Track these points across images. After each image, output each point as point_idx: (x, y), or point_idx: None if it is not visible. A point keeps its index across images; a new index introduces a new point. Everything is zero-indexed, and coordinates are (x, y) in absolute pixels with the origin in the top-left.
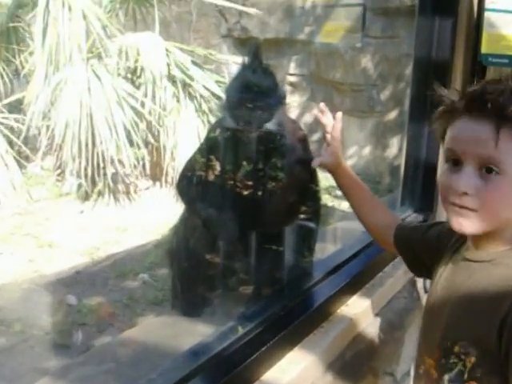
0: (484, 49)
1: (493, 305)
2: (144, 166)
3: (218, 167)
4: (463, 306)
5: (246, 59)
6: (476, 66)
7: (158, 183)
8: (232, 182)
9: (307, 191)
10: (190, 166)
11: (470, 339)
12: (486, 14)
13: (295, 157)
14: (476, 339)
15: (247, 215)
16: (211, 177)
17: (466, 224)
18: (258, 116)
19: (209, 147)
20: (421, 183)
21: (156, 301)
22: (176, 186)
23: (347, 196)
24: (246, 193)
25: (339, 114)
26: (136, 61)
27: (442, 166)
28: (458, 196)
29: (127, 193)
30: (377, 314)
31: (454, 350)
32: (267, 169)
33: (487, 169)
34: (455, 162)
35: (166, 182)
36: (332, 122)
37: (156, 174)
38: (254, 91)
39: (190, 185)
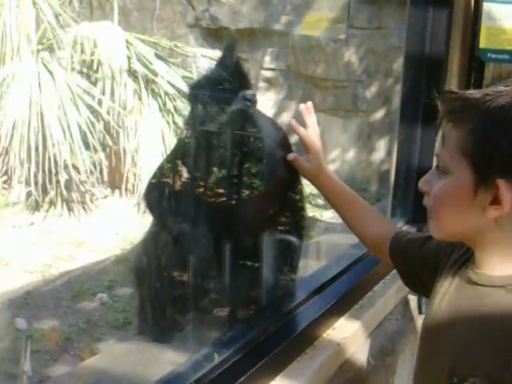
0: (483, 43)
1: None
2: (101, 171)
3: (186, 175)
4: (474, 337)
5: (219, 53)
6: (474, 62)
7: (117, 191)
8: (203, 192)
9: (289, 200)
10: (159, 174)
11: (482, 375)
12: (485, 5)
13: (274, 161)
14: (490, 376)
15: (221, 229)
16: (181, 186)
17: (430, 227)
18: (230, 116)
19: (179, 152)
20: (413, 191)
21: (117, 324)
22: (143, 196)
23: (335, 206)
24: (218, 203)
25: (309, 103)
26: (92, 54)
27: None
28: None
29: (82, 202)
30: (366, 338)
31: None
32: (242, 175)
33: (438, 167)
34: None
35: (127, 189)
36: (312, 123)
37: (115, 181)
38: (226, 89)
39: (160, 195)
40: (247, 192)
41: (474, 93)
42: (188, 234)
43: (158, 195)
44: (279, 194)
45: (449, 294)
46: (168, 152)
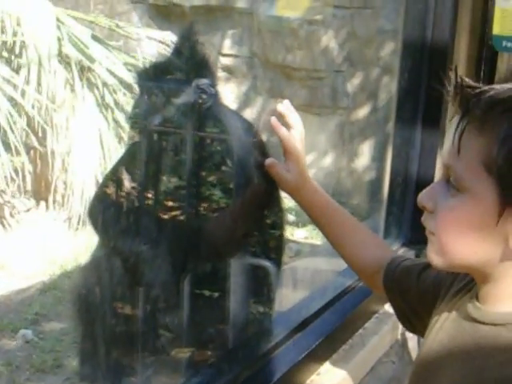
0: (496, 29)
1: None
2: (24, 179)
3: (134, 185)
4: (468, 378)
5: (172, 36)
6: (484, 51)
7: (43, 203)
8: (157, 207)
9: (264, 217)
10: (106, 185)
11: None
12: None
13: (243, 167)
14: None
15: (179, 252)
16: (131, 199)
17: (428, 252)
18: (179, 111)
19: (129, 159)
20: (411, 207)
21: (44, 367)
22: (88, 212)
23: (320, 225)
24: (176, 221)
25: (286, 102)
26: (15, 34)
27: None
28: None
29: (1, 216)
30: None
31: None
32: (200, 185)
33: (449, 181)
34: None
35: (55, 201)
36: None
37: (40, 190)
38: (178, 78)
39: (108, 211)
40: (205, 205)
41: (501, 89)
42: (140, 258)
43: (106, 211)
44: (251, 211)
45: (444, 329)
46: (114, 157)
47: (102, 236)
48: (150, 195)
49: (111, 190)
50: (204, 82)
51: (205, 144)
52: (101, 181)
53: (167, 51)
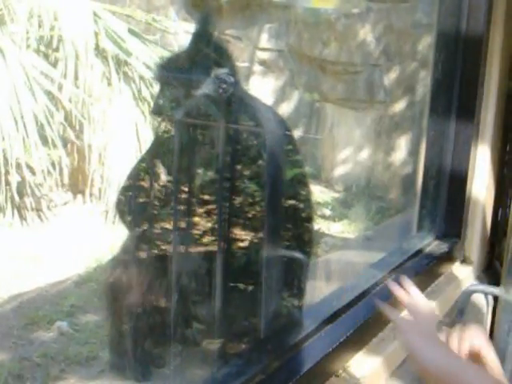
0: None
1: None
2: (61, 172)
3: (166, 177)
4: None
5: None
6: None
7: (80, 196)
8: (189, 198)
9: (294, 209)
10: (134, 178)
11: None
12: None
13: (275, 161)
14: None
15: (209, 243)
16: (161, 191)
17: None
18: (199, 103)
19: (156, 150)
20: (445, 201)
21: (79, 359)
22: (115, 204)
23: None
24: (206, 213)
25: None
26: (52, 28)
27: None
28: None
29: (38, 209)
30: (388, 378)
31: None
32: (235, 178)
33: None
34: None
35: (92, 194)
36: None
37: (78, 183)
38: (199, 70)
39: (135, 203)
40: (241, 198)
41: None
42: (171, 250)
43: (134, 202)
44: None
45: None
46: (144, 149)
47: (130, 228)
48: (182, 187)
49: (140, 181)
50: (222, 71)
51: (243, 137)
52: (128, 172)
53: (189, 43)
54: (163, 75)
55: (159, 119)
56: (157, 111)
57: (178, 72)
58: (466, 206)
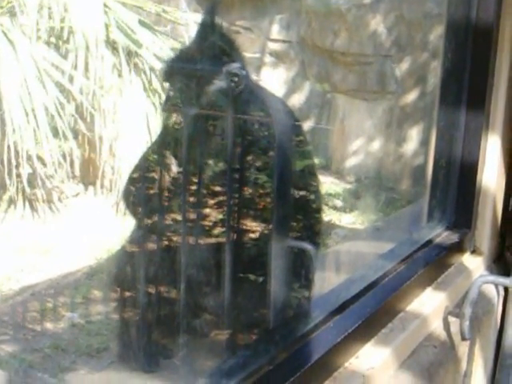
0: None
1: None
2: (72, 164)
3: (174, 168)
4: None
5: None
6: None
7: (90, 188)
8: (198, 189)
9: (303, 199)
10: (141, 168)
11: None
12: None
13: (284, 152)
14: None
15: (218, 234)
16: (170, 182)
17: None
18: (213, 97)
19: (164, 141)
20: (455, 191)
21: (90, 350)
22: (122, 194)
23: None
24: (215, 204)
25: None
26: (62, 20)
27: None
28: None
29: (49, 201)
30: (397, 369)
31: None
32: (243, 170)
33: None
34: None
35: (103, 186)
36: None
37: (88, 175)
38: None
39: (142, 193)
40: (250, 189)
41: None
42: (178, 240)
43: (141, 193)
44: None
45: None
46: (152, 140)
47: (138, 218)
48: (191, 178)
49: (147, 171)
50: (234, 65)
51: (251, 127)
52: (135, 162)
53: (196, 35)
54: (173, 68)
55: (170, 112)
56: (167, 106)
57: (188, 65)
58: (477, 197)
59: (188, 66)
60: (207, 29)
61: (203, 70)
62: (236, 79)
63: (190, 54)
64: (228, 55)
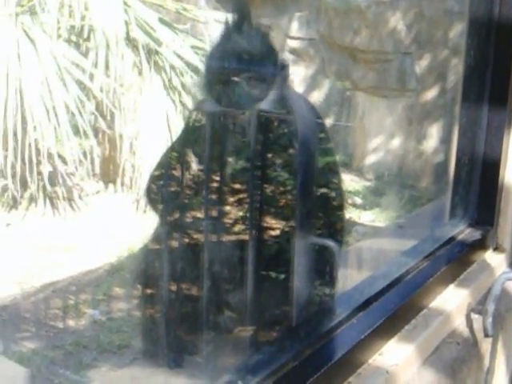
0: None
1: None
2: (93, 162)
3: (195, 166)
4: None
5: (230, 17)
6: None
7: (111, 186)
8: (219, 186)
9: (325, 197)
10: (164, 165)
11: None
12: None
13: (307, 149)
14: None
15: (240, 232)
16: (192, 179)
17: None
18: (248, 93)
19: (187, 139)
20: (477, 188)
21: (111, 347)
22: (145, 191)
23: None
24: (237, 201)
25: None
26: (83, 18)
27: None
28: None
29: (70, 199)
30: (420, 366)
31: None
32: (265, 167)
33: None
34: None
35: (123, 184)
36: None
37: (109, 173)
38: (242, 59)
39: (165, 190)
40: (272, 187)
41: None
42: (202, 238)
43: (163, 190)
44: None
45: None
46: (174, 137)
47: (161, 215)
48: (213, 176)
49: (170, 169)
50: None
51: (274, 125)
52: (158, 160)
53: (232, 33)
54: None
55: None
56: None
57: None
58: (499, 194)
59: (232, 63)
60: (240, 25)
61: (246, 68)
62: (285, 72)
63: (237, 52)
64: (270, 51)
